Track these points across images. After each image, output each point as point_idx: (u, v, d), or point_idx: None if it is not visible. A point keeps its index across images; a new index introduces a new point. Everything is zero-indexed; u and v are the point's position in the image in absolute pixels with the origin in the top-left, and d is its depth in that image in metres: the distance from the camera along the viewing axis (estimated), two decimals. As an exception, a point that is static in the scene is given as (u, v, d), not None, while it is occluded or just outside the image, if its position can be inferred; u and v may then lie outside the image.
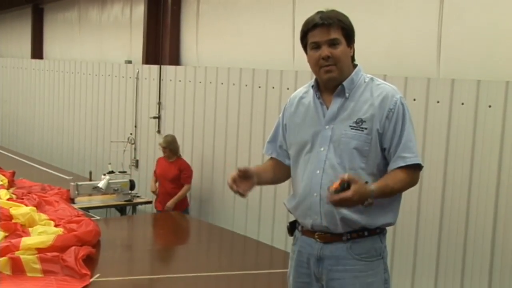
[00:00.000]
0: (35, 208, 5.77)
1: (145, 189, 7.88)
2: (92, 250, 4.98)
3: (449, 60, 5.10)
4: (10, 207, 5.62)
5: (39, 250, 4.71)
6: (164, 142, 7.23)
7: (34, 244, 4.77)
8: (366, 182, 2.49)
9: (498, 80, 4.63)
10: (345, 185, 2.39)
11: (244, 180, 2.62)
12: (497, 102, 4.60)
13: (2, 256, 4.55)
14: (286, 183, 2.96)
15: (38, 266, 4.56)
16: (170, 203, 7.01)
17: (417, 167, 2.61)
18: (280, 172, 2.88)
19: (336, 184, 2.41)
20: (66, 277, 4.50)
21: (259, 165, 2.99)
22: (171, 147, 7.16)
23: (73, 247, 4.77)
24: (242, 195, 2.61)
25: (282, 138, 2.86)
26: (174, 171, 7.09)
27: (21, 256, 4.58)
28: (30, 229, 5.29)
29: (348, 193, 2.37)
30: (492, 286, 4.67)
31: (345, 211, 2.57)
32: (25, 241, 4.82)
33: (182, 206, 7.19)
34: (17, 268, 4.53)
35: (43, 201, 6.23)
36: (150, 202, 7.55)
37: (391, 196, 2.59)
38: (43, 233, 5.12)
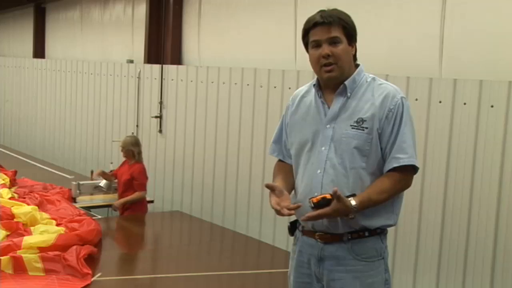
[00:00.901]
0: (36, 207, 5.78)
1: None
2: (94, 249, 4.99)
3: (451, 60, 5.09)
4: (12, 206, 5.64)
5: (41, 249, 4.72)
6: (122, 141, 6.85)
7: (35, 243, 4.78)
8: (354, 195, 2.49)
9: (501, 80, 4.62)
10: (326, 201, 2.44)
11: (281, 196, 2.57)
12: (499, 102, 4.59)
13: (4, 255, 4.56)
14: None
15: (39, 265, 4.57)
16: (117, 203, 6.59)
17: (412, 169, 2.59)
18: (292, 175, 2.81)
19: (317, 198, 2.46)
20: (68, 276, 4.51)
21: (278, 176, 2.81)
22: (126, 148, 6.71)
23: (75, 246, 4.79)
24: (291, 211, 2.51)
25: (286, 138, 2.85)
26: (126, 175, 6.63)
27: (23, 255, 4.59)
28: (31, 228, 5.31)
29: (326, 210, 2.45)
30: (494, 285, 4.67)
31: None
32: (27, 240, 4.83)
33: (139, 211, 6.74)
34: (19, 267, 4.54)
35: (45, 200, 6.25)
36: (152, 201, 7.53)
37: (376, 205, 2.56)
38: (44, 232, 5.13)
